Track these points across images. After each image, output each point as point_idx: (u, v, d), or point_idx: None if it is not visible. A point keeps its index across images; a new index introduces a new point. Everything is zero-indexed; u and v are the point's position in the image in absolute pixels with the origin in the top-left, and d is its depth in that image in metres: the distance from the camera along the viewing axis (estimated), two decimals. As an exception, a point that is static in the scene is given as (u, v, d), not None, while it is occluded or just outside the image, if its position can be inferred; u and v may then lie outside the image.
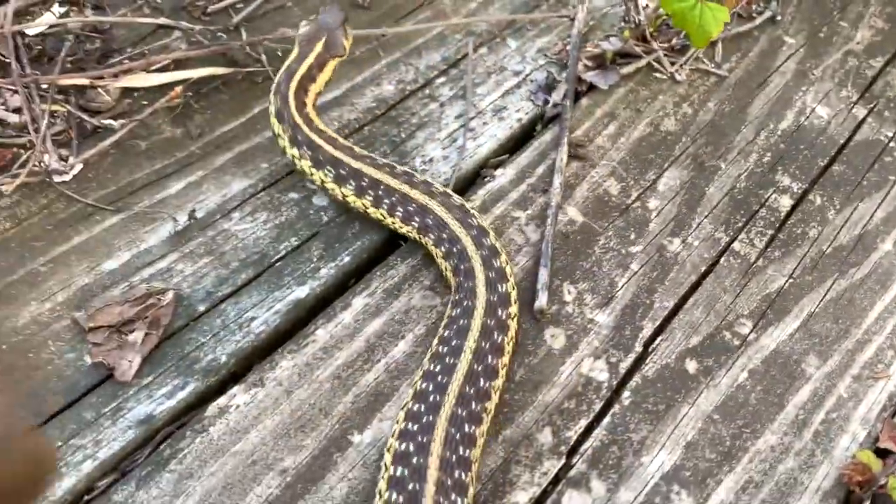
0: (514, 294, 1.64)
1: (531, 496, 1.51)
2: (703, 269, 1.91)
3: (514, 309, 1.62)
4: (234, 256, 1.73)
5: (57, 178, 1.75)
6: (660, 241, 1.93)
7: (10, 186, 1.70)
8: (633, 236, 1.92)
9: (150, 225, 1.74)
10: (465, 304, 1.59)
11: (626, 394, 1.68)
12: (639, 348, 1.75)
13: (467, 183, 1.98)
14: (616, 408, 1.66)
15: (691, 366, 1.74)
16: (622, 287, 1.83)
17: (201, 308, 1.64)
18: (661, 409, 1.67)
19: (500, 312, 1.58)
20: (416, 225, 1.72)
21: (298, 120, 1.74)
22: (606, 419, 1.64)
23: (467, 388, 1.47)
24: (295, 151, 1.76)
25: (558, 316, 1.76)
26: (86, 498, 1.40)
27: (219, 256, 1.72)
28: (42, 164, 1.74)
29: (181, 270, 1.69)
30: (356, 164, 1.72)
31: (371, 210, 1.75)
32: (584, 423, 1.62)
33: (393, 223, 1.75)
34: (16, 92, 1.82)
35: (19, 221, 1.70)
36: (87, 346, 1.55)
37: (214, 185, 1.83)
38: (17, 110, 1.82)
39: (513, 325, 1.61)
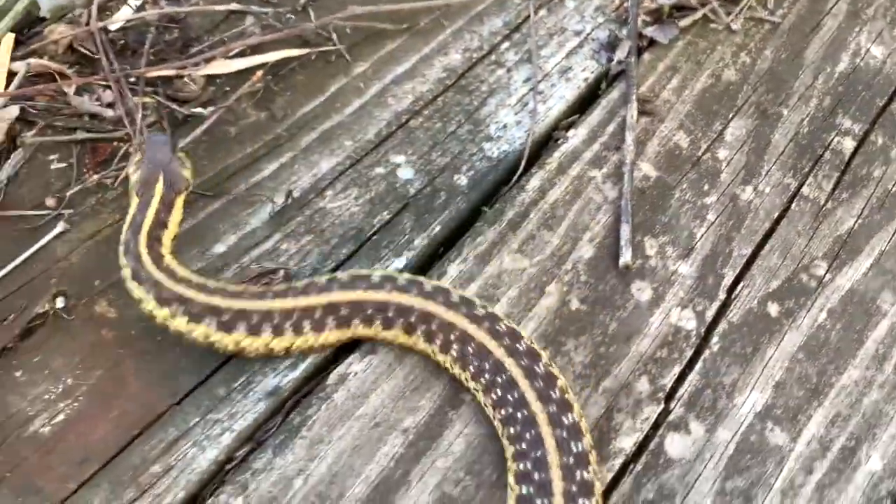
0: None
1: (635, 441, 1.62)
2: (776, 214, 1.98)
3: None
4: (333, 233, 1.82)
5: (157, 169, 1.83)
6: (732, 190, 2.00)
7: (119, 181, 1.79)
8: (706, 187, 1.99)
9: (251, 208, 1.83)
10: None
11: (714, 339, 1.77)
12: (722, 295, 1.83)
13: (540, 146, 2.05)
14: (706, 353, 1.75)
15: (773, 309, 1.82)
16: (701, 238, 1.91)
17: (309, 284, 1.74)
18: (749, 352, 1.76)
19: None
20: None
21: (159, 276, 1.56)
22: (698, 365, 1.73)
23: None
24: (165, 311, 1.56)
25: (643, 269, 1.84)
26: (227, 467, 1.52)
27: (319, 234, 1.81)
28: (142, 156, 1.82)
29: (286, 249, 1.78)
30: (239, 304, 1.57)
31: (274, 344, 1.60)
32: (677, 369, 1.72)
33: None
34: (108, 87, 1.90)
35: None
36: (211, 326, 1.65)
37: (304, 166, 1.91)
38: (110, 105, 1.90)
39: None
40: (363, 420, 1.58)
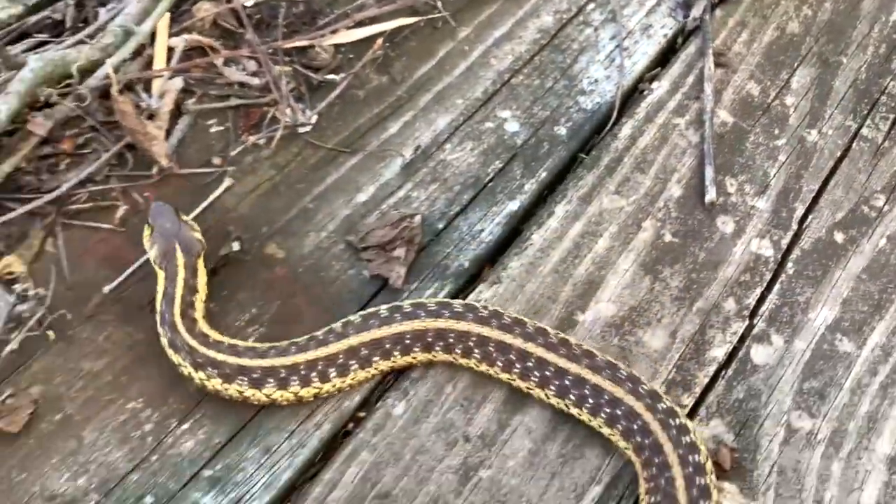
0: None
1: (725, 351, 1.91)
2: (839, 154, 2.24)
3: None
4: (455, 181, 2.11)
5: (302, 130, 2.12)
6: (800, 133, 2.25)
7: (272, 142, 2.08)
8: (776, 131, 2.25)
9: (383, 162, 2.12)
10: None
11: (789, 265, 2.05)
12: (794, 226, 2.10)
13: (628, 98, 2.31)
14: (783, 277, 2.03)
15: (839, 237, 2.10)
16: (774, 176, 2.17)
17: (440, 226, 2.03)
18: (819, 275, 2.03)
19: None
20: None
21: (193, 343, 1.70)
22: (776, 286, 2.01)
23: None
24: (202, 374, 1.70)
25: (725, 205, 2.11)
26: (389, 377, 1.83)
27: (443, 182, 2.10)
28: (289, 119, 2.10)
29: (417, 197, 2.07)
30: (267, 363, 1.70)
31: (304, 393, 1.73)
32: (759, 291, 2.00)
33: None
34: (252, 58, 2.18)
35: (281, 169, 2.09)
36: (363, 263, 1.95)
37: (424, 123, 2.19)
38: (255, 74, 2.18)
39: None
40: (496, 338, 1.89)
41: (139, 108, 2.02)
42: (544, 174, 2.14)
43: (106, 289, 1.85)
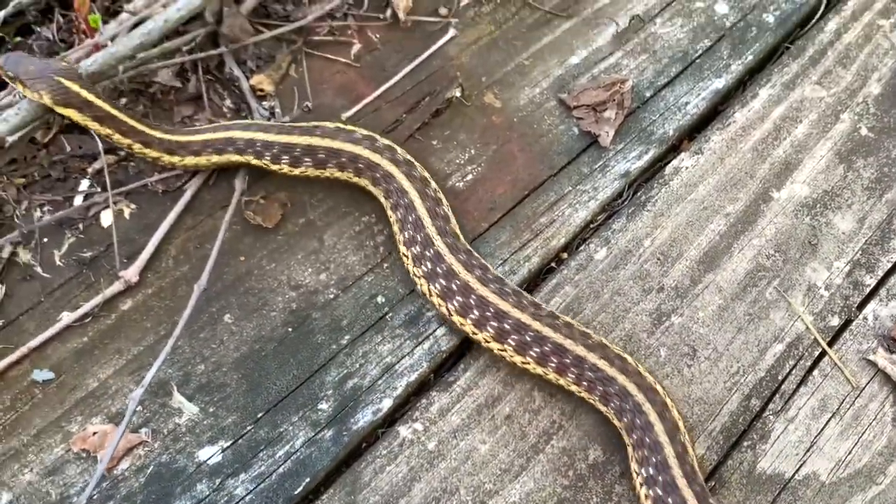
0: None
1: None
2: None
3: None
4: (664, 54, 2.20)
5: (521, -10, 2.24)
6: None
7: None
8: (982, 42, 2.28)
9: (596, 28, 2.22)
10: None
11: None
12: None
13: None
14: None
15: None
16: (976, 84, 2.21)
17: (647, 94, 2.15)
18: None
19: None
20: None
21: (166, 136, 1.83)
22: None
23: None
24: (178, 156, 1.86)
25: (924, 107, 2.17)
26: (591, 225, 1.99)
27: (652, 54, 2.20)
28: (511, -21, 2.22)
29: (626, 65, 2.18)
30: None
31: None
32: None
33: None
34: (478, -82, 2.28)
35: (499, 25, 2.21)
36: (573, 120, 2.08)
37: (638, -5, 2.28)
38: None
39: None
40: (694, 203, 2.01)
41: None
42: (750, 57, 2.22)
43: (344, 116, 2.03)
